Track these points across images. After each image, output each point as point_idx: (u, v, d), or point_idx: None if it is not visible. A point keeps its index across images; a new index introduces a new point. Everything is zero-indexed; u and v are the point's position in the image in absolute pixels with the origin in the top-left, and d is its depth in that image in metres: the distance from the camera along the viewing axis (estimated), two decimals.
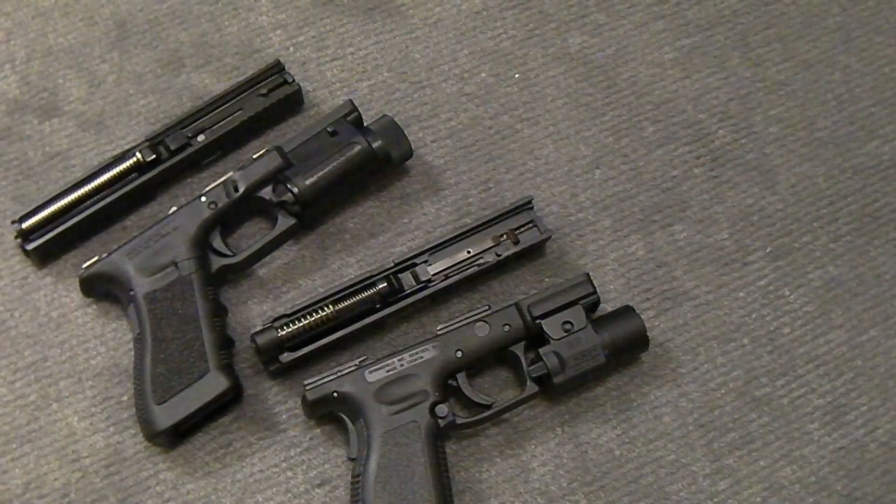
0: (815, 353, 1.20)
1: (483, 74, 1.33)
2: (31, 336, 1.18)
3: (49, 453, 1.13)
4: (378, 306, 1.15)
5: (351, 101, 1.24)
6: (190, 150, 1.22)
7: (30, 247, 1.18)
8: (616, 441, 1.15)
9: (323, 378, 1.10)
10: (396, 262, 1.17)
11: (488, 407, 1.12)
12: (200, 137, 1.23)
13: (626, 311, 1.15)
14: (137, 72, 1.31)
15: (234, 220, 1.21)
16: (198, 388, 1.09)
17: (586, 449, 1.15)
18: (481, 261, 1.18)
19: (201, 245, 1.16)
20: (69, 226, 1.19)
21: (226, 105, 1.24)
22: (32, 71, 1.31)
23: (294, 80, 1.26)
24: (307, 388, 1.10)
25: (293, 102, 1.28)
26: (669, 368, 1.19)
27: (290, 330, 1.12)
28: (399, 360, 1.11)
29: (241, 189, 1.18)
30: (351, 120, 1.22)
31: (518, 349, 1.13)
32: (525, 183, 1.27)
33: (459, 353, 1.11)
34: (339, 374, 1.10)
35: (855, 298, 1.23)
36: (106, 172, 1.20)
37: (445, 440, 1.12)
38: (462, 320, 1.13)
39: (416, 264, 1.17)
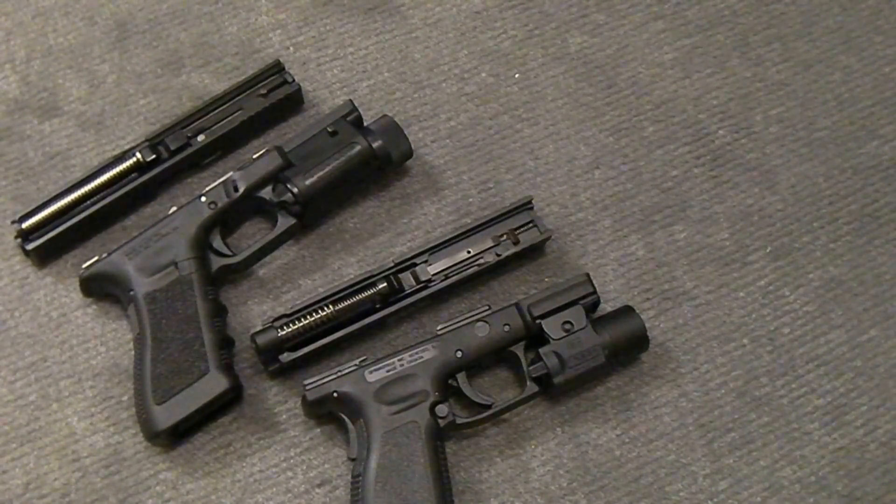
0: (815, 353, 1.20)
1: (483, 74, 1.33)
2: (31, 336, 1.18)
3: (49, 453, 1.13)
4: (378, 306, 1.15)
5: (351, 101, 1.24)
6: (190, 150, 1.22)
7: (30, 247, 1.18)
8: (616, 441, 1.15)
9: (323, 378, 1.10)
10: (396, 262, 1.17)
11: (488, 407, 1.12)
12: (200, 137, 1.23)
13: (626, 311, 1.15)
14: (137, 72, 1.31)
15: (234, 220, 1.21)
16: (198, 388, 1.09)
17: (586, 449, 1.15)
18: (481, 261, 1.18)
19: (201, 245, 1.16)
20: (69, 226, 1.19)
21: (226, 105, 1.24)
22: (32, 71, 1.31)
23: (294, 80, 1.26)
24: (307, 388, 1.10)
25: (293, 102, 1.28)
26: (669, 368, 1.19)
27: (290, 330, 1.12)
28: (399, 360, 1.11)
29: (241, 189, 1.18)
30: (351, 120, 1.22)
31: (518, 349, 1.13)
32: (525, 183, 1.27)
33: (459, 353, 1.11)
34: (339, 374, 1.10)
35: (855, 298, 1.23)
36: (106, 172, 1.20)
37: (445, 440, 1.12)
38: (462, 320, 1.13)
39: (416, 264, 1.17)
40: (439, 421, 1.09)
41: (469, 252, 1.18)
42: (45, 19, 1.34)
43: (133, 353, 1.14)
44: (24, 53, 1.31)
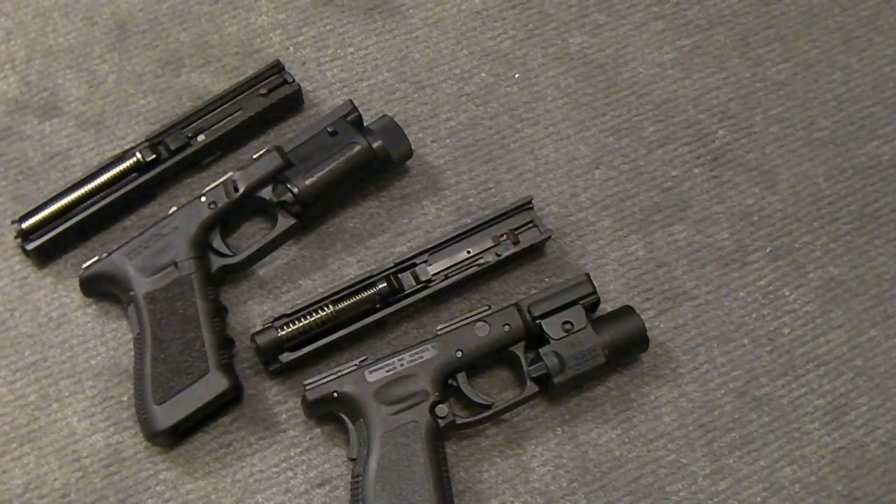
0: (815, 353, 1.20)
1: (483, 74, 1.33)
2: (31, 336, 1.18)
3: (49, 453, 1.13)
4: (378, 306, 1.15)
5: (351, 101, 1.24)
6: (190, 150, 1.22)
7: (30, 247, 1.18)
8: (616, 441, 1.15)
9: (323, 378, 1.10)
10: (396, 262, 1.17)
11: (488, 407, 1.12)
12: (200, 137, 1.23)
13: (626, 311, 1.15)
14: (137, 72, 1.31)
15: (234, 220, 1.21)
16: (198, 388, 1.09)
17: (586, 449, 1.15)
18: (481, 261, 1.18)
19: (201, 245, 1.16)
20: (69, 226, 1.19)
21: (226, 105, 1.24)
22: (32, 71, 1.31)
23: (294, 80, 1.26)
24: (307, 388, 1.10)
25: (293, 102, 1.28)
26: (669, 368, 1.19)
27: (290, 330, 1.12)
28: (399, 360, 1.11)
29: (241, 189, 1.18)
30: (351, 120, 1.22)
31: (518, 349, 1.13)
32: (525, 183, 1.27)
33: (459, 353, 1.11)
34: (339, 374, 1.10)
35: (855, 298, 1.23)
36: (106, 172, 1.20)
37: (445, 440, 1.12)
38: (462, 320, 1.13)
39: (416, 264, 1.17)
40: (439, 421, 1.09)
41: (469, 252, 1.18)
42: (45, 19, 1.34)
43: (133, 353, 1.14)
44: (24, 53, 1.31)
